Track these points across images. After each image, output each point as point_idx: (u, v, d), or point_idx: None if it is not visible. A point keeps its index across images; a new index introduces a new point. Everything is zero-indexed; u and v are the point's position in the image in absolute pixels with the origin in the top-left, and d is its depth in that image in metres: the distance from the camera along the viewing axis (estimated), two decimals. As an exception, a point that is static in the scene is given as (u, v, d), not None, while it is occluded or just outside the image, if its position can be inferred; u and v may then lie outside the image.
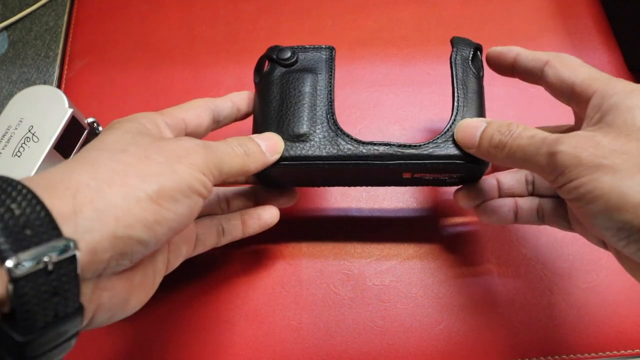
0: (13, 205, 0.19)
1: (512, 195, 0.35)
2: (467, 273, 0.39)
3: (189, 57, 0.48)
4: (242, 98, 0.35)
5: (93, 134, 0.37)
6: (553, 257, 0.39)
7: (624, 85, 0.27)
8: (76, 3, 0.51)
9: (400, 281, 0.38)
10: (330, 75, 0.35)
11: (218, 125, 0.34)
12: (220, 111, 0.33)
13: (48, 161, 0.33)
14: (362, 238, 0.40)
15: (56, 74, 0.48)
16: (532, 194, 0.35)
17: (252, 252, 0.39)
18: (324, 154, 0.32)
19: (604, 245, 0.29)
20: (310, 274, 0.39)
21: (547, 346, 0.36)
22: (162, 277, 0.28)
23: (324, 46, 0.35)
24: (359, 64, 0.47)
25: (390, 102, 0.45)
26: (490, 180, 0.35)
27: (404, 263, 0.39)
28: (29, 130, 0.33)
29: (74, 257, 0.19)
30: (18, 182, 0.20)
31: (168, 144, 0.25)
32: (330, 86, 0.34)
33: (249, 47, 0.48)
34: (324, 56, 0.35)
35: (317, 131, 0.33)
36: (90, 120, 0.37)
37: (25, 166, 0.32)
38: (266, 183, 0.36)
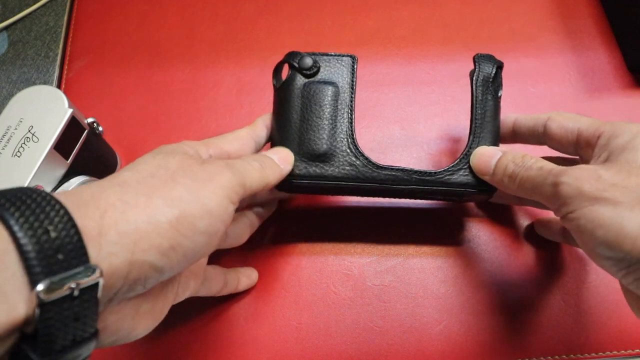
0: (50, 227, 0.19)
1: None
2: (467, 273, 0.39)
3: (189, 57, 0.48)
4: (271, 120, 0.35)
5: (93, 134, 0.37)
6: (553, 257, 0.39)
7: (631, 127, 0.28)
8: (76, 3, 0.51)
9: (400, 281, 0.38)
10: (352, 91, 0.34)
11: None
12: (260, 140, 0.34)
13: (48, 161, 0.33)
14: (362, 238, 0.40)
15: (56, 74, 0.48)
16: None
17: (252, 253, 0.39)
18: (343, 175, 0.33)
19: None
20: (310, 274, 0.39)
21: (547, 346, 0.36)
22: (170, 306, 0.28)
23: (345, 55, 0.34)
24: (359, 64, 0.47)
25: (390, 102, 0.45)
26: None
27: (404, 263, 0.39)
28: (29, 130, 0.33)
29: (97, 283, 0.19)
30: (56, 201, 0.20)
31: (193, 167, 0.26)
32: (352, 104, 0.34)
33: (249, 47, 0.48)
34: (345, 68, 0.34)
35: (337, 152, 0.33)
36: (90, 120, 0.37)
37: (25, 166, 0.32)
38: (285, 191, 0.36)
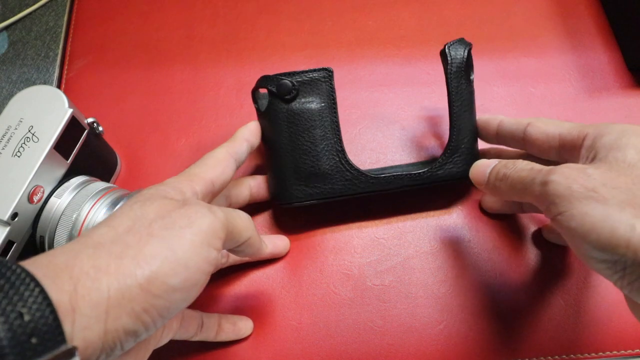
0: (23, 310, 0.18)
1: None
2: (467, 273, 0.39)
3: (189, 57, 0.48)
4: (252, 133, 0.35)
5: (93, 134, 0.37)
6: (553, 257, 0.39)
7: (616, 127, 0.28)
8: (76, 3, 0.51)
9: (400, 281, 0.38)
10: (334, 106, 0.35)
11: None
12: (240, 157, 0.33)
13: (48, 161, 0.33)
14: (362, 238, 0.40)
15: (56, 74, 0.48)
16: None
17: (252, 252, 0.39)
18: (339, 191, 0.35)
19: None
20: (310, 274, 0.39)
21: (547, 346, 0.36)
22: (151, 352, 0.27)
23: (321, 69, 0.34)
24: (359, 64, 0.47)
25: (390, 102, 0.45)
26: None
27: (403, 263, 0.39)
28: (29, 130, 0.33)
29: None
30: (31, 279, 0.19)
31: (172, 213, 0.24)
32: (336, 120, 0.35)
33: (249, 47, 0.48)
34: (324, 83, 0.34)
35: (332, 170, 0.35)
36: (90, 120, 0.37)
37: (25, 166, 0.32)
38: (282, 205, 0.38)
